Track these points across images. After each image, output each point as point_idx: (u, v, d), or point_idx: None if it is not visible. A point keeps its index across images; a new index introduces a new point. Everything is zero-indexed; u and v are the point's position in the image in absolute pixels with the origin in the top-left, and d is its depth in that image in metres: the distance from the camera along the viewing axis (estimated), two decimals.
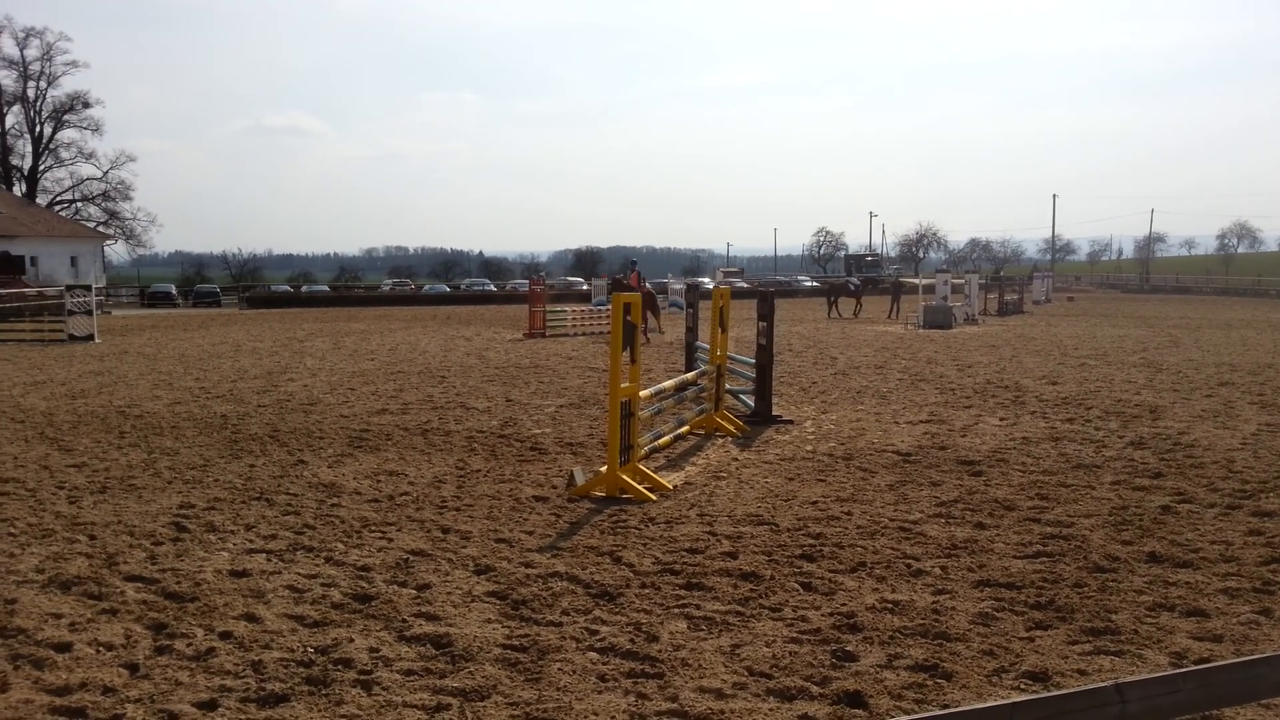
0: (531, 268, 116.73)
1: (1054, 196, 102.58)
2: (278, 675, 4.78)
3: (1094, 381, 16.59)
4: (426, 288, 75.85)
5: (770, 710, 4.42)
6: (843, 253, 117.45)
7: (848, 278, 41.30)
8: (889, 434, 11.57)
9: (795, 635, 5.31)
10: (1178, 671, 2.27)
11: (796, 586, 6.11)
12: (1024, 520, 7.68)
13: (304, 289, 74.83)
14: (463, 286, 76.69)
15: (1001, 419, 12.63)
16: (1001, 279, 47.85)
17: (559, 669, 4.85)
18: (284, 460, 9.96)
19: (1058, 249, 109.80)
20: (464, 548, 6.91)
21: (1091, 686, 2.20)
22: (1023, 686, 4.69)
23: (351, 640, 5.20)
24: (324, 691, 4.61)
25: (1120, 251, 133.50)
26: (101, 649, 5.12)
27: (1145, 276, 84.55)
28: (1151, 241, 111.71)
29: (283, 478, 9.15)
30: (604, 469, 8.54)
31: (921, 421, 12.45)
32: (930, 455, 10.26)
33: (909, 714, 4.31)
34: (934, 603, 5.82)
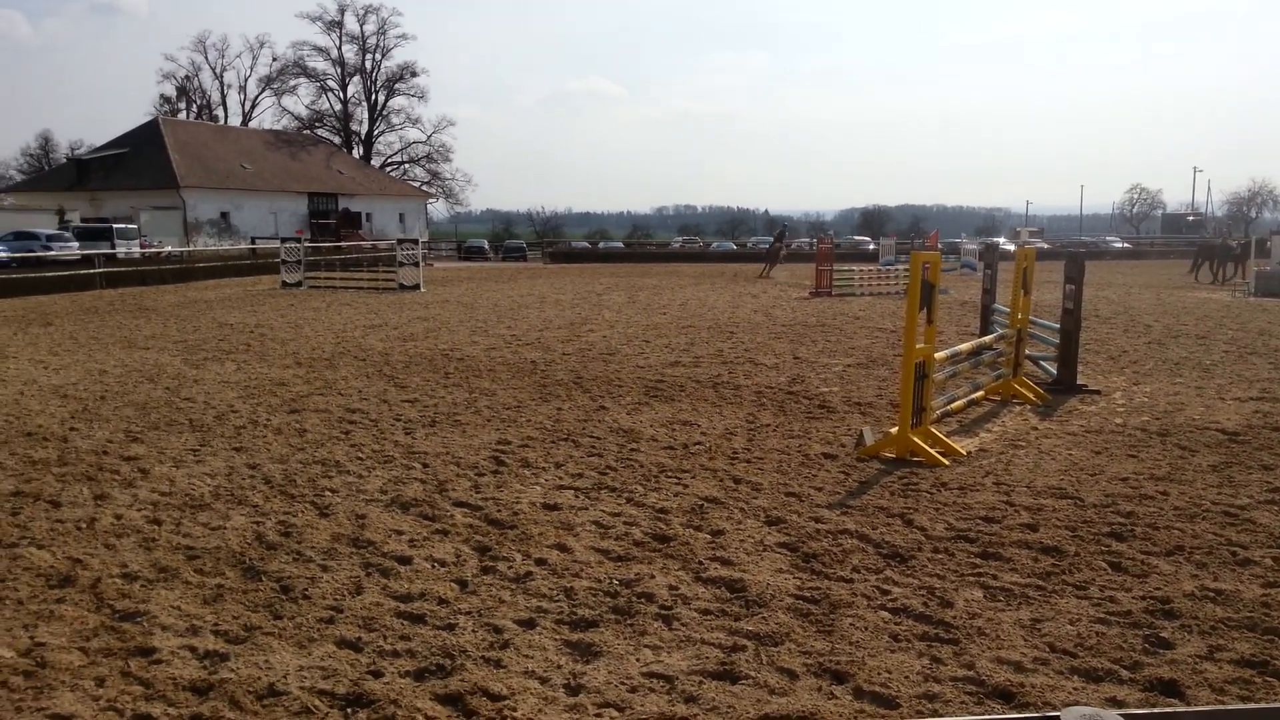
0: (817, 226, 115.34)
1: None
2: (587, 602, 5.18)
3: None
4: (714, 245, 77.02)
5: (1075, 689, 4.28)
6: (1159, 212, 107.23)
7: (1227, 238, 37.02)
8: (1212, 410, 10.58)
9: (1102, 616, 5.07)
10: None
11: (1104, 565, 5.81)
12: None
13: (600, 245, 78.28)
14: (750, 244, 77.18)
15: None
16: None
17: (851, 624, 4.92)
18: (587, 405, 10.60)
19: None
20: (755, 498, 7.10)
21: None
22: None
23: (653, 577, 5.52)
24: (629, 621, 4.95)
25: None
26: (436, 564, 5.75)
27: None
28: None
29: (587, 421, 9.75)
30: (894, 430, 8.45)
31: (1251, 399, 11.28)
32: (1262, 436, 9.31)
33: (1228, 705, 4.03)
34: (1264, 595, 5.34)
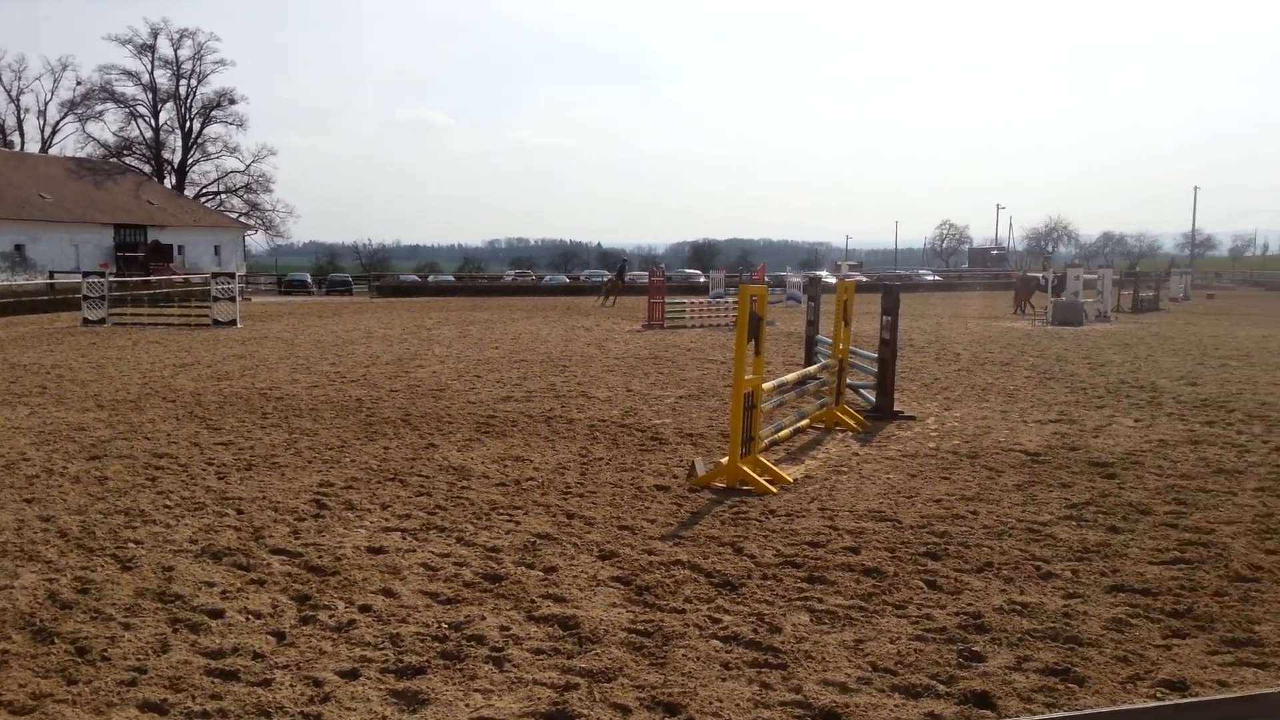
0: (650, 260, 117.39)
1: (1195, 189, 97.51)
2: (414, 648, 5.00)
3: (1236, 383, 15.81)
4: (547, 278, 77.09)
5: (895, 706, 4.41)
6: (966, 246, 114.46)
7: (1040, 274, 39.72)
8: (1016, 433, 11.28)
9: (920, 633, 5.27)
10: None
11: (921, 584, 6.05)
12: (1160, 525, 7.41)
13: (430, 278, 76.99)
14: (582, 277, 77.64)
15: (1136, 420, 12.17)
16: (1137, 275, 45.84)
17: (683, 655, 4.93)
18: (416, 443, 10.33)
19: (1198, 244, 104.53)
20: (588, 533, 7.06)
21: (1263, 691, 2.15)
22: (1159, 695, 4.56)
23: (483, 618, 5.39)
24: (458, 665, 4.81)
25: (1266, 247, 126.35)
26: (251, 617, 5.44)
27: None
28: None
29: (415, 460, 9.50)
30: (725, 460, 8.60)
31: (1051, 421, 12.10)
32: (1060, 456, 9.98)
33: (1039, 715, 4.24)
34: (1065, 606, 5.69)
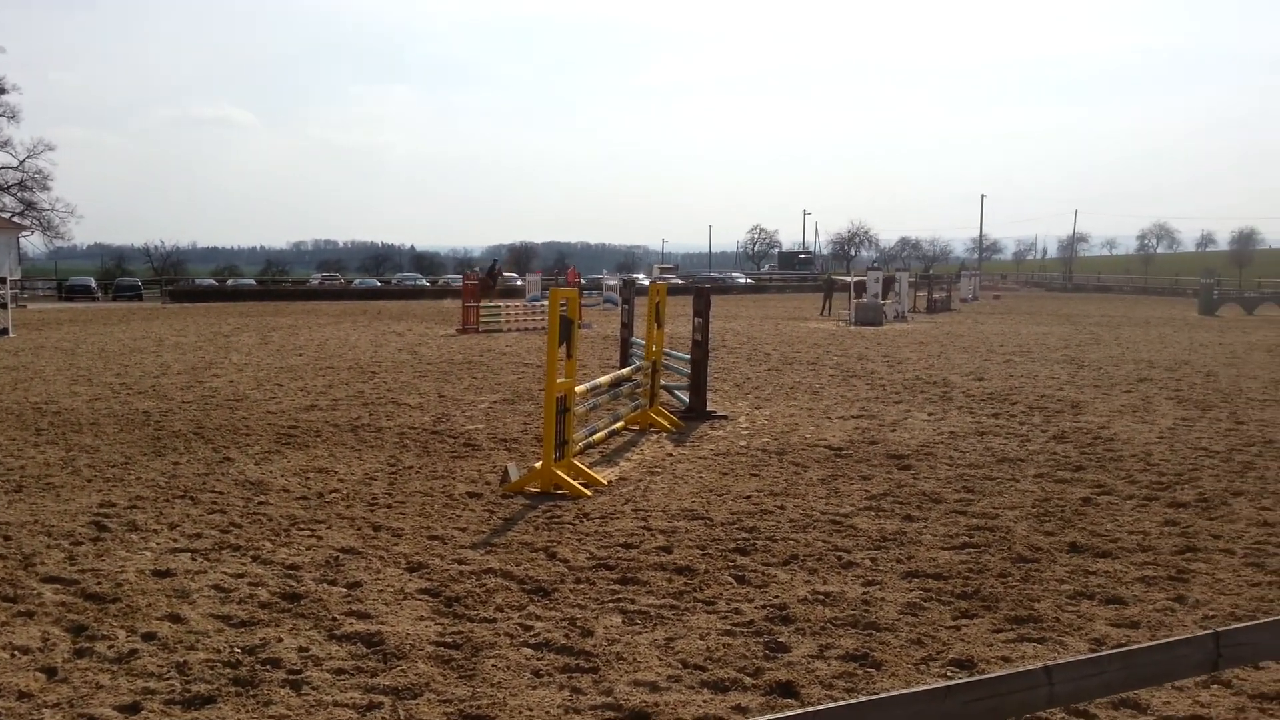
0: (465, 263, 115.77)
1: (982, 197, 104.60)
2: (203, 676, 4.67)
3: (1019, 377, 17.00)
4: (357, 282, 74.80)
5: (704, 702, 4.45)
6: (776, 250, 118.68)
7: (846, 277, 41.03)
8: (821, 429, 11.71)
9: (729, 628, 5.35)
10: (1103, 653, 2.35)
11: (730, 580, 6.16)
12: (951, 512, 7.84)
13: (230, 283, 73.28)
14: (394, 281, 75.72)
15: (930, 414, 12.87)
16: (931, 277, 48.72)
17: (493, 665, 4.82)
18: (209, 458, 9.74)
19: (985, 248, 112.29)
20: (396, 545, 6.83)
21: (1022, 669, 2.25)
22: (949, 674, 4.79)
23: (280, 640, 5.10)
24: (251, 692, 4.52)
25: (1045, 251, 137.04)
26: (17, 653, 4.95)
27: (1069, 275, 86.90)
28: (1075, 241, 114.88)
29: (208, 475, 8.95)
30: (538, 465, 8.52)
31: (853, 417, 12.63)
32: (861, 450, 10.42)
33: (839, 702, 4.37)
34: (864, 594, 5.91)
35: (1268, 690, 4.59)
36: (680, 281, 64.16)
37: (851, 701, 2.02)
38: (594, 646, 5.06)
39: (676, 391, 13.43)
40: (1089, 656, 2.30)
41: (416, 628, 5.29)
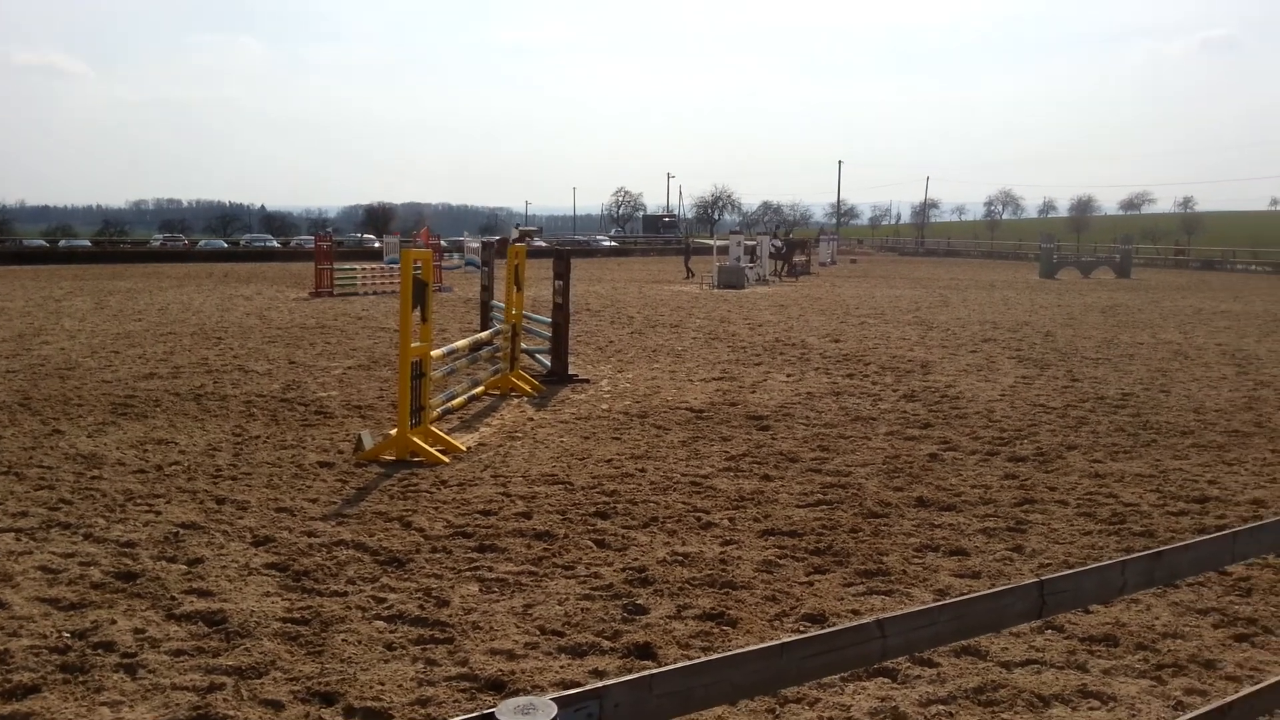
0: (318, 224, 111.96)
1: (839, 163, 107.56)
2: (27, 664, 4.36)
3: (872, 339, 17.54)
4: (202, 243, 71.43)
5: (561, 668, 4.42)
6: (641, 213, 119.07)
7: (772, 239, 40.74)
8: (683, 391, 11.81)
9: (588, 592, 5.33)
10: (934, 605, 2.40)
11: (590, 544, 6.14)
12: (806, 471, 8.02)
13: (62, 244, 68.75)
14: (242, 243, 72.57)
15: (789, 375, 13.15)
16: (791, 241, 49.75)
17: (343, 640, 4.66)
18: (37, 430, 9.11)
19: (842, 214, 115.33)
20: (240, 519, 6.54)
21: (855, 623, 2.28)
22: (801, 628, 4.89)
23: (114, 622, 4.81)
24: (81, 679, 4.25)
25: (899, 217, 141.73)
26: None
27: (920, 240, 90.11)
28: (926, 208, 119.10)
29: (35, 449, 8.37)
30: (394, 432, 8.29)
31: (714, 379, 12.79)
32: (721, 411, 10.55)
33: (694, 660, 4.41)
34: (722, 553, 5.98)
35: (1096, 633, 4.86)
36: (544, 244, 63.67)
37: (688, 664, 2.00)
38: (450, 617, 4.96)
39: (538, 355, 13.31)
40: (920, 609, 2.35)
41: (262, 604, 5.08)
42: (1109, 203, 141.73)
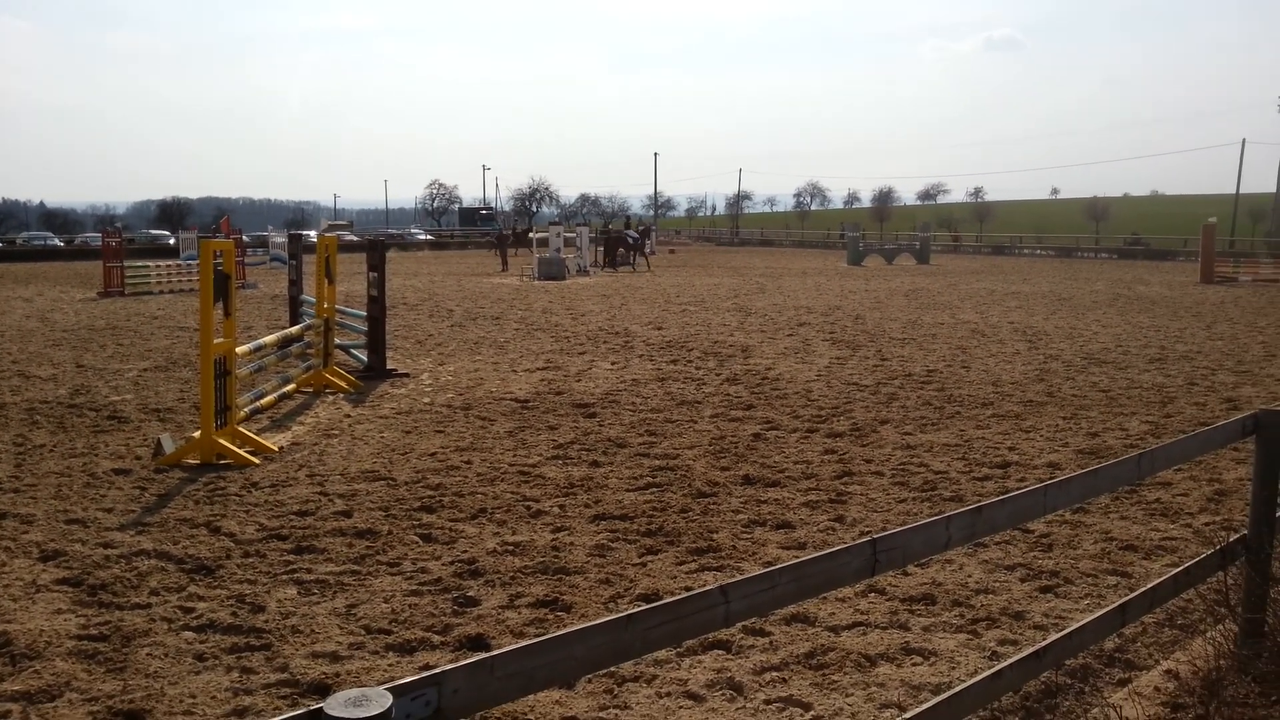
0: (106, 220, 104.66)
1: (655, 155, 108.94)
2: None
3: (694, 326, 17.83)
4: None
5: (389, 666, 4.22)
6: (457, 206, 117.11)
7: (626, 231, 40.67)
8: (507, 382, 11.63)
9: (415, 588, 5.13)
10: (774, 568, 2.39)
11: (416, 539, 5.92)
12: (635, 455, 8.02)
13: None
14: (19, 241, 66.93)
15: (613, 363, 13.17)
16: (611, 232, 50.04)
17: (148, 655, 4.30)
18: None
19: (660, 205, 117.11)
20: (25, 533, 5.95)
21: (699, 591, 2.24)
22: (637, 608, 4.85)
23: None
24: None
25: (714, 208, 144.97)
26: None
27: (735, 230, 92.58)
28: (740, 199, 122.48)
29: None
30: (197, 434, 7.77)
31: (539, 369, 12.66)
32: (547, 401, 10.45)
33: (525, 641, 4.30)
34: (553, 540, 5.89)
35: (915, 594, 5.05)
36: (355, 238, 61.66)
37: (529, 643, 1.90)
38: (266, 623, 4.66)
39: (354, 350, 12.82)
40: (762, 572, 2.34)
41: (53, 623, 4.63)
42: (908, 193, 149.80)
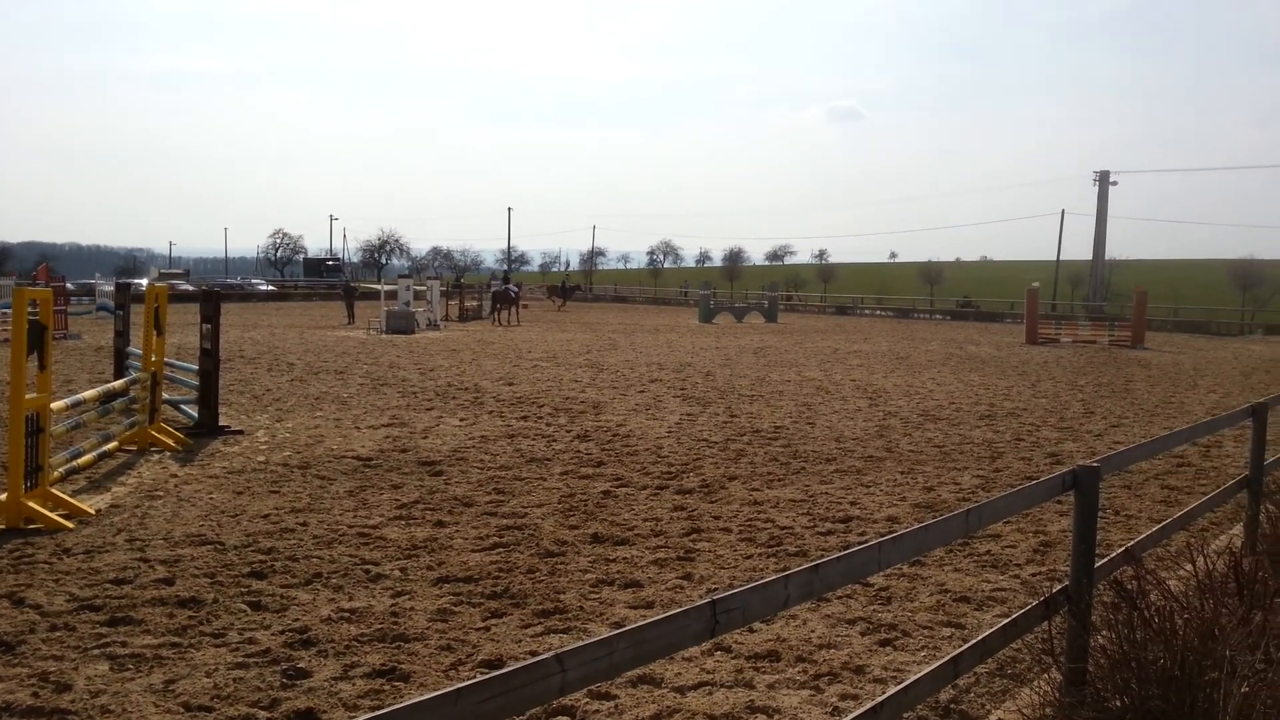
0: None
1: (509, 210, 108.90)
2: None
3: (545, 381, 17.73)
4: None
5: None
6: (302, 256, 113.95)
7: (507, 285, 41.71)
8: (349, 439, 11.25)
9: (241, 660, 4.82)
10: (611, 634, 2.33)
11: (244, 607, 5.58)
12: (482, 514, 7.84)
13: None
14: None
15: (462, 419, 12.93)
16: (462, 286, 49.56)
17: None
18: None
19: (513, 259, 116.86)
20: None
21: (533, 660, 2.16)
22: (479, 675, 4.69)
23: None
24: None
25: (568, 263, 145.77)
26: None
27: (589, 286, 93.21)
28: (594, 255, 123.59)
29: None
30: (3, 496, 7.17)
31: (383, 425, 12.30)
32: (391, 458, 10.14)
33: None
34: (393, 605, 5.66)
35: (760, 650, 5.06)
36: (191, 288, 59.06)
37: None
38: (73, 703, 4.29)
39: (184, 406, 12.17)
40: (598, 639, 2.27)
41: None
42: (756, 254, 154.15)
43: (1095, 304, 54.95)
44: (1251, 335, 42.90)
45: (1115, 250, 68.39)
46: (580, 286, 55.08)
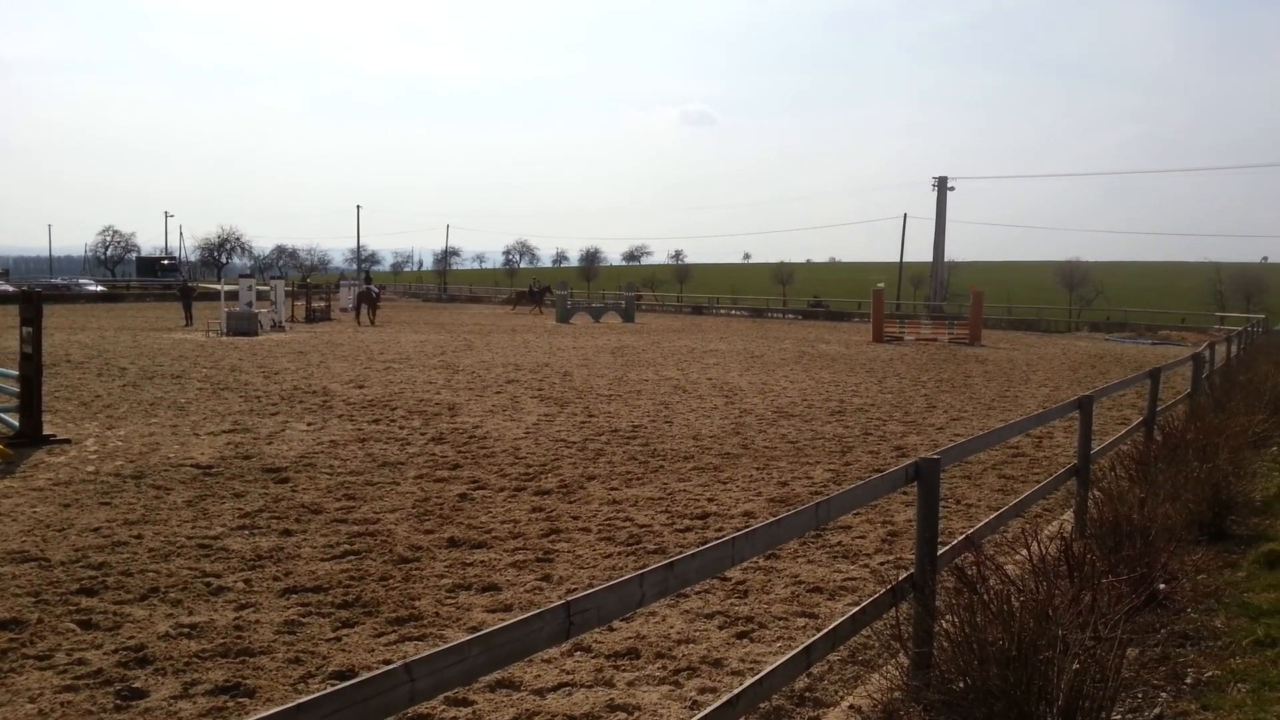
0: None
1: (358, 208, 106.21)
2: None
3: (399, 383, 17.32)
4: None
5: None
6: (134, 255, 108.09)
7: (369, 285, 40.94)
8: (187, 447, 10.70)
9: (70, 683, 4.51)
10: (463, 640, 2.27)
11: (73, 626, 5.23)
12: (332, 522, 7.59)
13: None
14: None
15: (309, 424, 12.49)
16: (309, 286, 47.98)
17: None
18: None
19: (364, 258, 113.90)
20: None
21: (380, 671, 2.08)
22: (330, 687, 4.52)
23: None
24: None
25: (421, 263, 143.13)
26: None
27: (443, 286, 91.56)
28: (448, 254, 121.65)
29: None
30: None
31: (225, 431, 11.77)
32: (234, 466, 9.70)
33: None
34: (236, 619, 5.40)
35: (620, 649, 5.06)
36: (11, 289, 55.21)
37: None
38: None
39: (3, 415, 11.34)
40: (449, 646, 2.21)
41: None
42: (614, 254, 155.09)
43: (936, 303, 57.44)
44: (1078, 332, 45.75)
45: (954, 252, 71.75)
46: (551, 288, 53.60)
